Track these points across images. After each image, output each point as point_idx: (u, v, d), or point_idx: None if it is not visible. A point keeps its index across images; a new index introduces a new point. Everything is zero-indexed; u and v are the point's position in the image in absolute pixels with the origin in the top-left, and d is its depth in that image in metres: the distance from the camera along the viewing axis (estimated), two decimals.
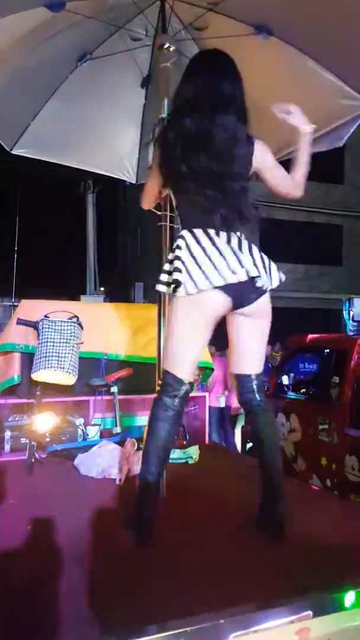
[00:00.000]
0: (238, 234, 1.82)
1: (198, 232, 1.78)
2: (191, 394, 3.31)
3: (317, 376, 4.78)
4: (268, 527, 1.82)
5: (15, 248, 7.87)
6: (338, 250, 17.23)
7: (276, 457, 2.00)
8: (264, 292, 1.85)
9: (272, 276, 1.88)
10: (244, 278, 1.76)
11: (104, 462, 2.54)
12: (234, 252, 1.78)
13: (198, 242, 1.77)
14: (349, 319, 4.20)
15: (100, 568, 1.59)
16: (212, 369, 3.60)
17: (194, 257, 1.76)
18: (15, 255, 7.78)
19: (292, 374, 4.89)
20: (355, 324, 4.16)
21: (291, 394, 4.63)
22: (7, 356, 3.05)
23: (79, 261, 10.62)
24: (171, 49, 2.32)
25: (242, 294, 1.79)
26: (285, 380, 4.68)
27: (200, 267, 1.74)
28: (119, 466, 2.50)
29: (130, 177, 3.74)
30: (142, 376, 2.93)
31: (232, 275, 1.74)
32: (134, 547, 1.74)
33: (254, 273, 1.77)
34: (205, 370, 3.52)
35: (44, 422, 2.79)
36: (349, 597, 1.41)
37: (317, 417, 3.96)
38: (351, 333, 4.22)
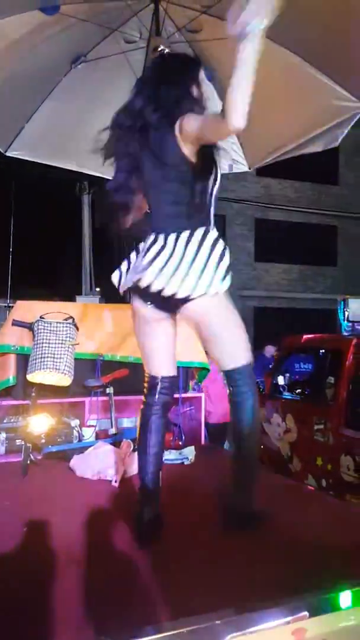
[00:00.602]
0: (173, 236, 1.71)
1: (149, 235, 1.79)
2: (187, 395, 3.34)
3: (313, 376, 4.79)
4: (236, 518, 1.84)
5: (11, 250, 7.83)
6: (333, 251, 17.28)
7: (245, 445, 1.91)
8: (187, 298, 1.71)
9: (202, 282, 1.70)
10: (143, 285, 1.71)
11: (100, 463, 2.54)
12: (152, 258, 1.71)
13: (143, 245, 1.79)
14: (344, 320, 4.22)
15: (97, 569, 1.59)
16: (208, 369, 3.59)
17: (126, 260, 1.85)
18: (11, 257, 7.75)
19: (287, 375, 4.90)
20: (350, 324, 4.18)
21: (287, 395, 4.64)
22: (2, 358, 3.04)
23: (75, 262, 10.59)
24: (165, 51, 2.33)
25: (158, 299, 1.75)
26: (280, 380, 4.68)
27: (119, 269, 1.84)
28: (114, 467, 2.49)
29: None
30: (138, 377, 2.91)
31: (132, 281, 1.75)
32: (130, 548, 1.74)
33: (146, 281, 1.69)
34: (201, 371, 3.52)
35: (40, 423, 2.79)
36: (345, 597, 1.41)
37: (313, 418, 3.97)
38: (346, 333, 4.23)
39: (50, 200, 12.62)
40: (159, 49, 2.35)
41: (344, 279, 16.86)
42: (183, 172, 1.70)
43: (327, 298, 15.62)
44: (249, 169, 3.43)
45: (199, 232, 1.73)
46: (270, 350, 7.57)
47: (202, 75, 1.86)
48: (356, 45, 2.42)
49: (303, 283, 16.79)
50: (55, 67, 2.91)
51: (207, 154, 1.73)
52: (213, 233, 1.78)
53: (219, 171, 1.80)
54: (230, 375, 1.89)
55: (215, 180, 1.78)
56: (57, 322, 2.88)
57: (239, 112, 1.47)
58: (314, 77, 2.70)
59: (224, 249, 1.78)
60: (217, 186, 1.79)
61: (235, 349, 1.88)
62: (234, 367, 1.87)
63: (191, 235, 1.72)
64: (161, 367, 1.94)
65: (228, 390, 1.93)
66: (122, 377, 3.05)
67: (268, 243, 16.08)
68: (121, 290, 1.86)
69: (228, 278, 1.75)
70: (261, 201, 15.50)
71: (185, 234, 1.72)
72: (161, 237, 1.74)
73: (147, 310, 1.82)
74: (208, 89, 3.07)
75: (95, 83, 3.03)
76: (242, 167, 3.43)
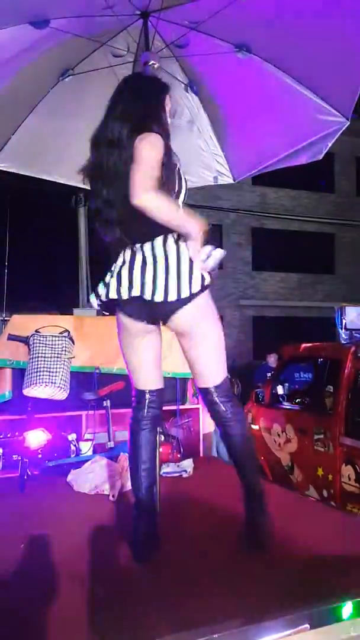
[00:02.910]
0: (142, 247, 1.74)
1: (125, 248, 1.79)
2: (184, 407, 3.32)
3: (312, 385, 4.77)
4: (253, 541, 1.81)
5: (6, 263, 7.83)
6: (330, 259, 17.34)
7: (249, 470, 1.90)
8: (173, 306, 1.71)
9: (183, 285, 1.70)
10: (124, 296, 1.72)
11: (97, 477, 2.52)
12: (129, 269, 1.73)
13: (121, 259, 1.79)
14: (341, 328, 4.21)
15: (95, 585, 1.57)
16: None
17: (106, 273, 1.83)
18: (6, 270, 7.74)
19: (287, 384, 4.88)
20: (348, 332, 4.16)
21: (286, 404, 4.61)
22: None
23: (72, 274, 10.60)
24: (155, 66, 2.36)
25: (140, 311, 1.75)
26: (280, 390, 4.66)
27: (102, 282, 1.81)
28: (112, 482, 2.47)
29: None
30: None
31: (114, 292, 1.74)
32: (128, 563, 1.72)
33: (135, 292, 1.70)
34: None
35: (36, 438, 2.76)
36: (347, 609, 1.40)
37: (313, 427, 3.94)
38: (344, 342, 4.22)
39: (46, 213, 12.66)
40: (150, 64, 2.37)
41: (343, 287, 16.90)
42: None
43: (325, 306, 15.64)
44: (234, 180, 3.49)
45: (171, 239, 1.74)
46: (273, 359, 7.56)
47: (168, 100, 1.88)
48: (339, 61, 2.49)
49: (301, 291, 16.82)
50: (43, 80, 2.93)
51: (170, 166, 1.73)
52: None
53: (183, 182, 1.81)
54: (209, 393, 1.83)
55: (179, 190, 1.78)
56: (52, 336, 2.86)
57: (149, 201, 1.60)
58: (298, 91, 2.78)
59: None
60: (182, 196, 1.80)
61: (218, 365, 1.84)
62: (216, 384, 1.82)
63: (164, 241, 1.73)
64: (148, 381, 1.90)
65: (209, 412, 1.89)
66: (119, 390, 3.02)
67: (265, 252, 16.15)
68: (101, 305, 1.84)
69: (207, 277, 1.73)
70: (257, 210, 15.58)
71: (158, 241, 1.73)
72: (137, 247, 1.75)
73: (133, 323, 1.80)
74: (194, 103, 3.13)
75: (82, 96, 3.05)
76: (227, 179, 3.48)
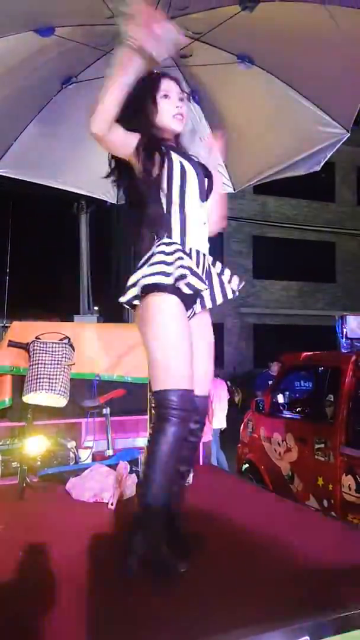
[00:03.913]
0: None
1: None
2: None
3: (312, 394, 4.76)
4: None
5: (7, 270, 7.85)
6: (331, 268, 17.40)
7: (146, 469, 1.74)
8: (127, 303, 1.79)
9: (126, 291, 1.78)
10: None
11: (96, 485, 2.50)
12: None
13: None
14: (342, 337, 4.20)
15: (94, 593, 1.56)
16: None
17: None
18: (7, 277, 7.76)
19: (287, 393, 4.86)
20: (348, 341, 4.16)
21: (287, 413, 4.59)
22: None
23: (73, 281, 10.62)
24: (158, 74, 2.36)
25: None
26: (280, 398, 4.64)
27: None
28: (111, 490, 2.45)
29: (111, 198, 3.79)
30: (135, 397, 2.91)
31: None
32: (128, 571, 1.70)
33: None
34: None
35: (36, 445, 2.75)
36: (347, 620, 1.38)
37: (313, 437, 3.92)
38: (344, 350, 4.21)
39: (47, 219, 12.71)
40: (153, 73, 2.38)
41: (343, 295, 16.93)
42: None
43: (326, 314, 15.65)
44: (234, 190, 3.51)
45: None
46: (276, 367, 7.56)
47: (164, 85, 1.83)
48: (341, 74, 2.51)
49: (302, 300, 16.86)
50: (46, 87, 2.95)
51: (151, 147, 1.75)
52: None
53: (173, 167, 1.78)
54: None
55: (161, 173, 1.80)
56: (52, 343, 2.86)
57: (97, 116, 1.59)
58: (300, 103, 2.79)
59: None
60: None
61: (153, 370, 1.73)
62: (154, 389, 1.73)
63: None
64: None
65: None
66: (119, 397, 3.02)
67: (266, 260, 16.20)
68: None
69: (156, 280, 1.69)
70: (258, 219, 15.65)
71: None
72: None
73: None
74: (195, 113, 3.16)
75: (84, 103, 3.06)
76: (228, 188, 3.51)
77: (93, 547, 1.93)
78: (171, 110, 1.78)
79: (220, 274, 1.89)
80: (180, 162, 1.76)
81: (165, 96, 1.79)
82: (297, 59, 2.60)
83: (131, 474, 2.58)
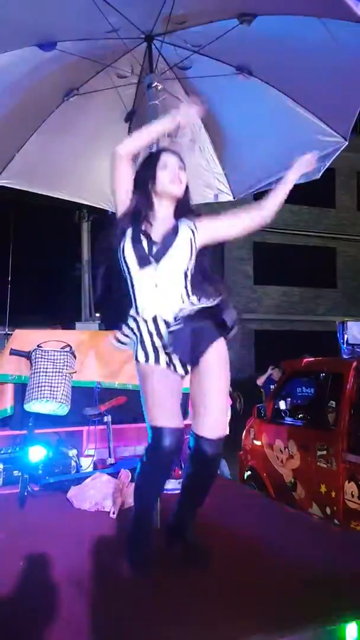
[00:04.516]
0: None
1: None
2: (186, 422, 3.30)
3: (314, 401, 4.75)
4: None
5: (9, 278, 7.89)
6: (332, 273, 17.39)
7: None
8: None
9: None
10: None
11: (98, 494, 2.51)
12: None
13: None
14: (343, 343, 4.21)
15: (96, 601, 1.57)
16: None
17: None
18: (9, 285, 7.80)
19: (289, 399, 4.85)
20: (349, 347, 4.16)
21: (289, 420, 4.58)
22: (0, 387, 3.03)
23: (74, 288, 10.66)
24: (159, 87, 2.41)
25: None
26: (282, 405, 4.63)
27: None
28: (112, 498, 2.46)
29: (112, 207, 3.82)
30: (136, 405, 2.90)
31: None
32: (129, 579, 1.72)
33: None
34: None
35: (37, 454, 2.76)
36: (351, 630, 1.39)
37: (315, 443, 3.92)
38: (346, 356, 4.21)
39: (49, 227, 12.77)
40: (154, 85, 2.43)
41: (345, 301, 16.92)
42: None
43: (327, 320, 15.63)
44: (234, 198, 3.56)
45: None
46: (274, 373, 7.55)
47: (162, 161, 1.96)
48: (339, 84, 2.55)
49: (303, 305, 16.84)
50: (48, 100, 3.00)
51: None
52: None
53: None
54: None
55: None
56: (54, 351, 2.88)
57: (130, 140, 1.99)
58: (298, 113, 2.84)
59: None
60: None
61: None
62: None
63: None
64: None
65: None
66: (120, 405, 3.03)
67: (267, 266, 16.21)
68: None
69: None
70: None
71: None
72: None
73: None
74: (195, 123, 3.20)
75: (86, 115, 3.11)
76: (227, 196, 3.56)
77: (95, 556, 1.94)
78: (168, 176, 1.92)
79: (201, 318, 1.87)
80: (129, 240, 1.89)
81: (164, 167, 1.93)
82: (294, 69, 2.65)
83: (132, 483, 2.58)
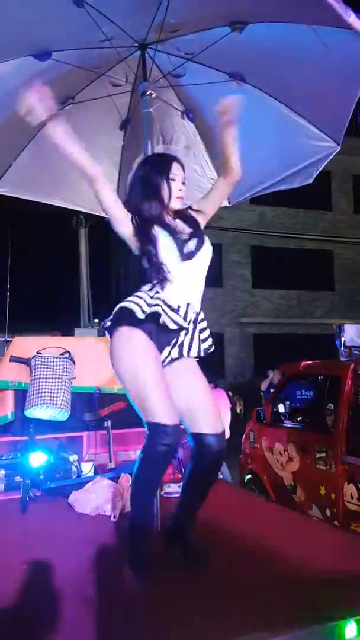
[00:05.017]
0: None
1: None
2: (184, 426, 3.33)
3: (313, 403, 4.77)
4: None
5: (8, 285, 7.91)
6: (330, 276, 17.45)
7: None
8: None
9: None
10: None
11: (99, 498, 2.52)
12: None
13: None
14: (340, 345, 4.23)
15: (97, 606, 1.58)
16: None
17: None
18: (8, 292, 7.81)
19: (287, 402, 4.87)
20: (346, 350, 4.18)
21: (288, 422, 4.60)
22: (0, 394, 3.05)
23: (73, 294, 10.69)
24: (153, 95, 2.45)
25: None
26: (281, 408, 4.65)
27: None
28: (113, 503, 2.47)
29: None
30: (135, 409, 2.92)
31: None
32: (130, 584, 1.73)
33: None
34: None
35: (38, 459, 2.77)
36: (350, 629, 1.40)
37: (315, 446, 3.93)
38: (343, 359, 4.24)
39: (47, 234, 12.80)
40: (148, 94, 2.46)
41: (342, 304, 16.96)
42: None
43: (325, 323, 15.66)
44: (229, 204, 3.60)
45: None
46: (277, 377, 7.56)
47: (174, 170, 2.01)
48: (329, 88, 2.59)
49: (301, 308, 16.89)
50: None
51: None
52: None
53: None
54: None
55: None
56: (53, 357, 2.90)
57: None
58: (291, 118, 2.87)
59: None
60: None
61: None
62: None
63: None
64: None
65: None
66: (120, 410, 3.04)
67: (265, 270, 16.26)
68: None
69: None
70: (256, 229, 15.74)
71: None
72: None
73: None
74: (190, 130, 3.23)
75: (81, 123, 3.13)
76: (224, 202, 3.59)
77: (96, 560, 1.95)
78: (175, 192, 1.98)
79: (201, 331, 1.99)
80: (160, 235, 1.92)
81: (173, 180, 1.98)
82: (286, 76, 2.68)
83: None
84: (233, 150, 2.11)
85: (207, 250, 1.99)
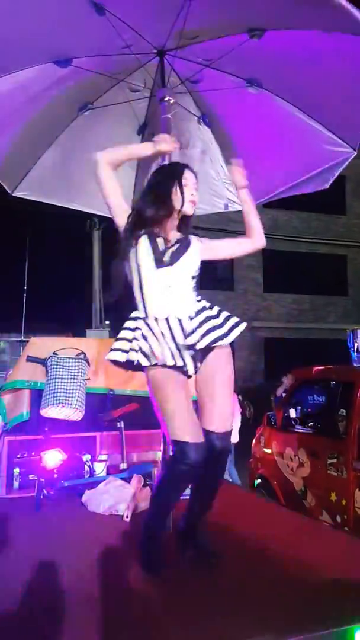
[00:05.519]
0: None
1: None
2: None
3: (325, 409, 4.75)
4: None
5: (25, 287, 8.01)
6: (343, 281, 17.31)
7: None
8: None
9: None
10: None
11: (111, 498, 2.55)
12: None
13: None
14: (353, 351, 4.21)
15: (109, 605, 1.59)
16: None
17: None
18: (25, 294, 7.91)
19: (299, 407, 4.86)
20: (359, 355, 4.17)
21: (299, 428, 4.59)
22: (17, 393, 3.10)
23: (85, 296, 10.77)
24: (171, 101, 2.48)
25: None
26: (292, 413, 4.64)
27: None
28: (126, 503, 2.49)
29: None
30: (147, 411, 2.95)
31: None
32: (142, 582, 1.75)
33: None
34: None
35: (52, 458, 2.81)
36: None
37: (326, 451, 3.92)
38: (356, 365, 4.22)
39: (61, 236, 12.90)
40: (166, 99, 2.49)
41: (356, 309, 16.82)
42: None
43: (338, 328, 15.55)
44: None
45: None
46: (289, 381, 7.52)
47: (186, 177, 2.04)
48: (348, 95, 2.60)
49: (314, 313, 16.78)
50: (63, 114, 3.07)
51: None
52: None
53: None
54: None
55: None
56: (69, 358, 2.94)
57: (109, 151, 2.06)
58: (307, 124, 2.89)
59: None
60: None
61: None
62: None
63: None
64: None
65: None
66: (132, 412, 3.07)
67: (277, 274, 16.19)
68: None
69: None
70: (268, 232, 15.66)
71: None
72: None
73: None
74: (206, 135, 3.26)
75: (100, 128, 3.19)
76: (237, 206, 3.60)
77: (108, 558, 1.98)
78: (187, 196, 2.01)
79: (207, 319, 1.97)
80: (142, 238, 1.95)
81: (186, 184, 2.02)
82: (303, 81, 2.69)
83: (144, 487, 2.62)
84: (252, 219, 2.19)
85: (189, 259, 1.96)
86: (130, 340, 1.92)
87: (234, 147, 3.23)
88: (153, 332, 1.90)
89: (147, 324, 1.91)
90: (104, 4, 2.20)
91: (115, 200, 2.02)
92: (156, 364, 1.89)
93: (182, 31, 2.44)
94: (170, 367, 1.89)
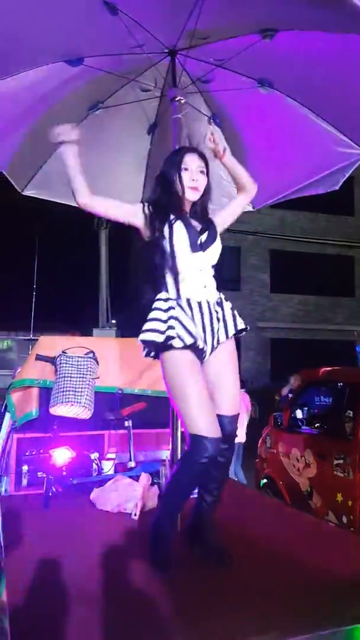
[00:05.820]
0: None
1: None
2: None
3: (331, 410, 4.74)
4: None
5: (34, 285, 8.04)
6: (350, 282, 17.25)
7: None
8: None
9: None
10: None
11: (120, 496, 2.56)
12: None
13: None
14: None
15: (116, 602, 1.60)
16: None
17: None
18: (34, 293, 7.94)
19: (306, 408, 4.85)
20: None
21: (305, 428, 4.59)
22: (26, 391, 3.12)
23: (92, 295, 10.80)
24: (182, 101, 2.48)
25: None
26: (299, 414, 4.64)
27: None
28: (134, 501, 2.50)
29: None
30: (155, 410, 2.97)
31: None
32: (149, 580, 1.76)
33: None
34: None
35: (61, 456, 2.82)
36: None
37: (332, 452, 3.92)
38: None
39: (68, 235, 12.95)
40: (177, 99, 2.50)
41: None
42: None
43: (345, 329, 15.51)
44: (253, 208, 3.62)
45: None
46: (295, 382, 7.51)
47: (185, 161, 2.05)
48: (357, 95, 2.58)
49: (320, 314, 16.72)
50: (74, 113, 3.06)
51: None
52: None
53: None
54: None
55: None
56: (78, 357, 2.95)
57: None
58: (318, 124, 2.87)
59: None
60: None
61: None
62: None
63: None
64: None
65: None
66: (140, 410, 3.09)
67: (284, 274, 16.16)
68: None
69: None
70: (276, 233, 15.67)
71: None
72: None
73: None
74: (216, 133, 3.26)
75: (110, 127, 3.19)
76: (247, 207, 3.61)
77: (117, 556, 1.99)
78: (187, 182, 2.01)
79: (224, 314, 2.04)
80: (172, 224, 1.97)
81: (185, 169, 2.02)
82: (314, 82, 2.69)
83: (152, 486, 2.63)
84: (238, 171, 2.18)
85: (217, 246, 2.03)
86: (165, 321, 1.88)
87: (244, 148, 3.23)
88: (187, 314, 1.90)
89: (180, 306, 1.91)
90: (116, 4, 2.21)
91: (120, 211, 2.05)
92: (181, 347, 1.86)
93: (194, 31, 2.44)
94: (192, 350, 1.88)
